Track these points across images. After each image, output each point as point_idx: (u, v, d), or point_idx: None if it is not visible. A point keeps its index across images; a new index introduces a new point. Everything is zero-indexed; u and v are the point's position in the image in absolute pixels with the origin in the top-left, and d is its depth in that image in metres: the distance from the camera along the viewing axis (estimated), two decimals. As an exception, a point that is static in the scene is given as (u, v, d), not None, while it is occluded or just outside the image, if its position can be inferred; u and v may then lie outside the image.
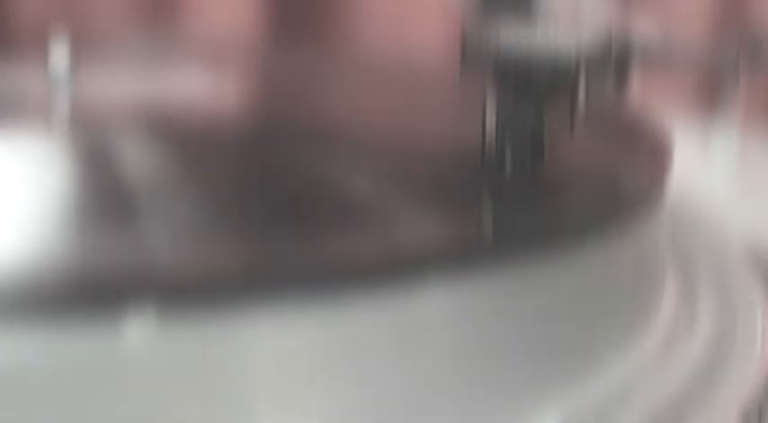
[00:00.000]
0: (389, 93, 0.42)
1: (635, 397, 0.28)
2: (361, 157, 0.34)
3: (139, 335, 0.23)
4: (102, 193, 0.30)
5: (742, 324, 0.32)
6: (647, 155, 0.34)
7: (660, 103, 0.39)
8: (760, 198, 0.45)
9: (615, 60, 0.32)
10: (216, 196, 0.30)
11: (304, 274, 0.24)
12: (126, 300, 0.23)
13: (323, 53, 0.48)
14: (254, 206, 0.29)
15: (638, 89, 0.34)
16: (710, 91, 0.61)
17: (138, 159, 0.33)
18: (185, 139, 0.35)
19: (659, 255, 0.33)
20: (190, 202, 0.29)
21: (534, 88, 0.31)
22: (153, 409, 0.23)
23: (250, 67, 0.48)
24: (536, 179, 0.32)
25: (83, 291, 0.23)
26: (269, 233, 0.27)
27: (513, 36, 0.31)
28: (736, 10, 0.71)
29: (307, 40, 0.67)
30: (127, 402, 0.23)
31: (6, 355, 0.22)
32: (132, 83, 0.41)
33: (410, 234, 0.27)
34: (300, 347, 0.24)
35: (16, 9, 0.67)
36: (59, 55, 0.39)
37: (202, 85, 0.41)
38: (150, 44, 0.50)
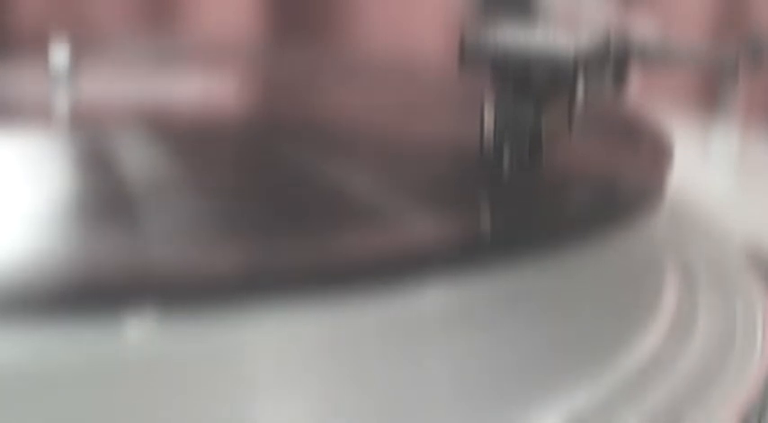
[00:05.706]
0: (389, 92, 0.42)
1: (635, 397, 0.28)
2: (361, 156, 0.34)
3: (139, 335, 0.23)
4: (102, 193, 0.30)
5: (742, 324, 0.32)
6: (646, 155, 0.34)
7: (660, 103, 0.39)
8: (760, 198, 0.45)
9: (614, 60, 0.32)
10: (215, 196, 0.30)
11: (305, 274, 0.24)
12: (125, 300, 0.23)
13: (323, 53, 0.48)
14: (254, 205, 0.29)
15: (638, 89, 0.34)
16: (710, 91, 0.61)
17: (137, 160, 0.33)
18: (185, 140, 0.35)
19: (659, 255, 0.33)
20: (189, 201, 0.29)
21: (534, 88, 0.31)
22: (153, 409, 0.23)
23: (250, 67, 0.48)
24: (535, 179, 0.32)
25: (81, 291, 0.23)
26: (268, 232, 0.27)
27: (513, 36, 0.31)
28: (737, 10, 0.71)
29: (307, 40, 0.67)
30: (126, 403, 0.23)
31: (5, 355, 0.22)
32: (132, 83, 0.41)
33: (410, 233, 0.27)
34: (301, 347, 0.24)
35: (16, 9, 0.67)
36: (59, 55, 0.39)
37: (202, 85, 0.41)
38: (150, 44, 0.50)
